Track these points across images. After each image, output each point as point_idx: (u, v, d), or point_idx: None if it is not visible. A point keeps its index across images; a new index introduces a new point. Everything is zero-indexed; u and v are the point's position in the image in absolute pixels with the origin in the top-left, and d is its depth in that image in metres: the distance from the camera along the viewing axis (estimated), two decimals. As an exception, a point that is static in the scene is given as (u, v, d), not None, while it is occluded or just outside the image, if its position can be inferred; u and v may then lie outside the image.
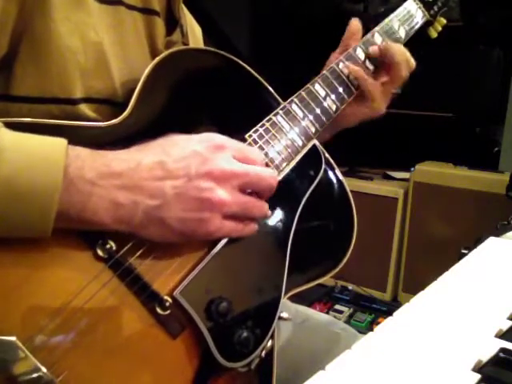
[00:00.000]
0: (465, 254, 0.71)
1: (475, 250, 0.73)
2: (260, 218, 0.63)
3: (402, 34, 0.92)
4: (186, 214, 0.55)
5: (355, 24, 0.87)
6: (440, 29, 1.03)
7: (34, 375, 0.48)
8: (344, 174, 0.78)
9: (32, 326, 0.50)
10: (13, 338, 0.48)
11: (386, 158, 2.57)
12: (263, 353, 0.64)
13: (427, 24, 1.00)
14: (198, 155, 0.56)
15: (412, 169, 2.32)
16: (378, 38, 0.87)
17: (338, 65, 0.82)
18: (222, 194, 0.56)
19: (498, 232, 0.82)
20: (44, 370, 0.49)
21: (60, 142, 0.52)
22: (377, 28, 0.88)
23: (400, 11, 0.93)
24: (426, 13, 0.97)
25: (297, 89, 0.78)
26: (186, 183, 0.55)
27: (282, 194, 0.65)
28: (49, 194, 0.49)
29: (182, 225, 0.55)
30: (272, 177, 0.62)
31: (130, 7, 0.69)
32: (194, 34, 0.86)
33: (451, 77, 2.51)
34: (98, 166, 0.53)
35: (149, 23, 0.72)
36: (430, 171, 2.29)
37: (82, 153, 0.53)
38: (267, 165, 0.67)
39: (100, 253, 0.55)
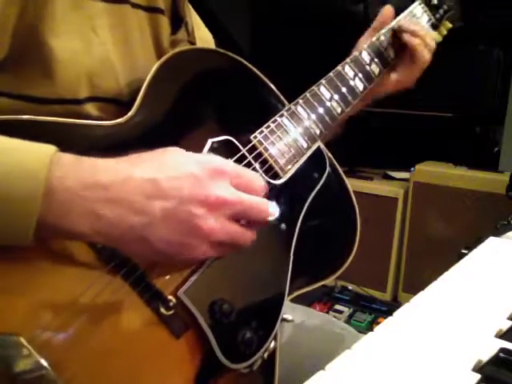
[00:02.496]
0: (465, 254, 0.71)
1: (475, 250, 0.73)
2: (246, 246, 0.59)
3: None
4: (172, 238, 0.52)
5: (389, 10, 0.89)
6: (445, 33, 1.02)
7: (38, 373, 0.48)
8: (344, 174, 0.78)
9: (36, 324, 0.50)
10: (18, 336, 0.48)
11: (386, 158, 2.57)
12: (266, 354, 0.64)
13: (432, 28, 0.99)
14: (194, 178, 0.53)
15: (412, 169, 2.32)
16: (384, 42, 0.88)
17: (343, 68, 0.82)
18: (212, 222, 0.53)
19: (498, 232, 0.82)
20: (48, 367, 0.49)
21: (45, 152, 0.49)
22: (383, 31, 0.88)
23: (406, 14, 0.92)
24: (432, 16, 0.97)
25: (298, 88, 0.78)
26: (177, 206, 0.52)
27: (286, 196, 0.65)
28: (27, 205, 0.47)
29: (166, 247, 0.53)
30: (266, 209, 0.58)
31: (135, 5, 0.69)
32: (200, 34, 0.86)
33: (451, 77, 2.51)
34: (82, 176, 0.50)
35: (153, 21, 0.72)
36: (430, 171, 2.29)
37: (66, 160, 0.50)
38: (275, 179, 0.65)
39: (105, 254, 0.55)
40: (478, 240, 0.79)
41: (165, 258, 0.55)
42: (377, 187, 2.39)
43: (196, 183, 0.53)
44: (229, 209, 0.54)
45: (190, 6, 0.84)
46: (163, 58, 0.66)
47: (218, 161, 0.57)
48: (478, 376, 0.42)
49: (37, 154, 0.49)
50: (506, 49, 2.50)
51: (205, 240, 0.54)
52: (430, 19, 0.97)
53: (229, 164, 0.58)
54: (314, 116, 0.76)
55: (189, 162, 0.55)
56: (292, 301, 0.73)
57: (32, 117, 0.56)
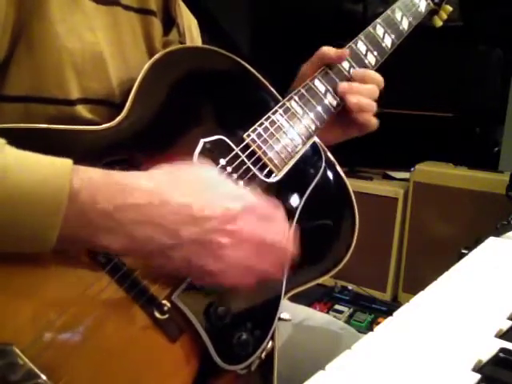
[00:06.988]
0: (465, 254, 0.71)
1: (475, 250, 0.73)
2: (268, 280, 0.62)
3: (404, 25, 0.89)
4: (193, 260, 0.55)
5: (326, 49, 0.81)
6: (445, 17, 0.99)
7: (33, 382, 0.48)
8: (344, 174, 0.77)
9: (30, 332, 0.50)
10: (11, 346, 0.48)
11: (386, 157, 2.57)
12: (263, 354, 0.64)
13: (432, 13, 0.97)
14: (227, 212, 0.56)
15: (412, 169, 2.32)
16: (379, 30, 0.85)
17: None
18: (233, 254, 0.56)
19: (498, 232, 0.82)
20: (43, 377, 0.49)
21: (64, 165, 0.50)
22: (378, 19, 0.86)
23: (403, 0, 0.90)
24: (431, 1, 0.95)
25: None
26: (204, 233, 0.54)
27: (282, 194, 0.64)
28: (51, 219, 0.48)
29: (186, 265, 0.55)
30: (284, 252, 0.61)
31: (127, 8, 0.69)
32: (192, 34, 0.86)
33: (451, 77, 2.51)
34: (114, 196, 0.51)
35: (145, 23, 0.72)
36: (430, 171, 2.29)
37: (95, 176, 0.51)
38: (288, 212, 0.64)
39: (98, 258, 0.55)
40: (477, 240, 0.79)
41: (181, 274, 0.58)
42: (377, 187, 2.39)
43: (228, 217, 0.56)
44: (253, 244, 0.57)
45: (184, 7, 0.84)
46: (153, 58, 0.66)
47: (252, 198, 0.59)
48: (477, 376, 0.42)
49: (57, 169, 0.50)
50: (506, 49, 2.50)
51: (222, 268, 0.56)
52: (428, 4, 0.94)
53: (260, 203, 0.60)
54: (308, 111, 0.75)
55: (226, 194, 0.57)
56: (292, 301, 0.73)
57: (44, 125, 0.56)
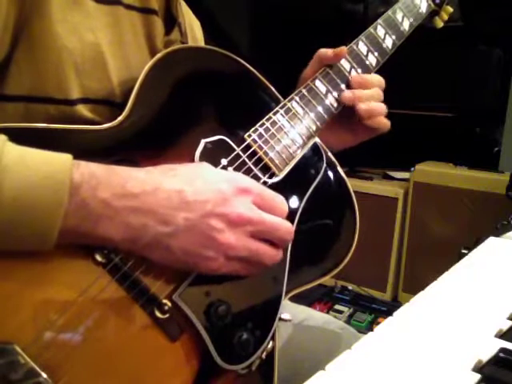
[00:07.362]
0: (465, 254, 0.71)
1: (475, 250, 0.73)
2: (271, 264, 0.62)
3: (405, 25, 0.89)
4: (191, 247, 0.55)
5: (324, 50, 0.81)
6: (446, 18, 0.99)
7: (33, 381, 0.48)
8: (344, 174, 0.78)
9: (31, 331, 0.50)
10: (12, 345, 0.48)
11: (386, 157, 2.57)
12: (264, 354, 0.64)
13: (432, 14, 0.98)
14: (220, 194, 0.57)
15: (412, 169, 2.32)
16: (380, 31, 0.85)
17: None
18: (231, 237, 0.56)
19: (498, 232, 0.82)
20: (44, 375, 0.49)
21: (65, 160, 0.51)
22: (379, 20, 0.86)
23: (404, 1, 0.90)
24: (432, 2, 0.95)
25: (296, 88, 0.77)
26: (199, 218, 0.55)
27: (283, 194, 0.64)
28: (52, 214, 0.49)
29: (186, 256, 0.56)
30: (286, 231, 0.62)
31: (129, 7, 0.69)
32: (194, 34, 0.86)
33: (451, 77, 2.51)
34: (113, 186, 0.53)
35: (147, 23, 0.72)
36: (430, 171, 2.29)
37: (97, 171, 0.53)
38: (289, 218, 0.64)
39: (98, 258, 0.55)
40: (477, 240, 0.79)
41: (186, 267, 0.58)
42: (377, 187, 2.39)
43: (221, 199, 0.56)
44: (250, 226, 0.58)
45: (186, 7, 0.84)
46: (155, 58, 0.66)
47: (245, 180, 0.61)
48: (477, 376, 0.42)
49: (56, 164, 0.50)
50: (506, 49, 2.50)
51: (221, 253, 0.57)
52: (429, 5, 0.94)
53: (254, 184, 0.61)
54: (309, 111, 0.75)
55: (218, 179, 0.58)
56: (292, 301, 0.73)
57: (45, 125, 0.57)
